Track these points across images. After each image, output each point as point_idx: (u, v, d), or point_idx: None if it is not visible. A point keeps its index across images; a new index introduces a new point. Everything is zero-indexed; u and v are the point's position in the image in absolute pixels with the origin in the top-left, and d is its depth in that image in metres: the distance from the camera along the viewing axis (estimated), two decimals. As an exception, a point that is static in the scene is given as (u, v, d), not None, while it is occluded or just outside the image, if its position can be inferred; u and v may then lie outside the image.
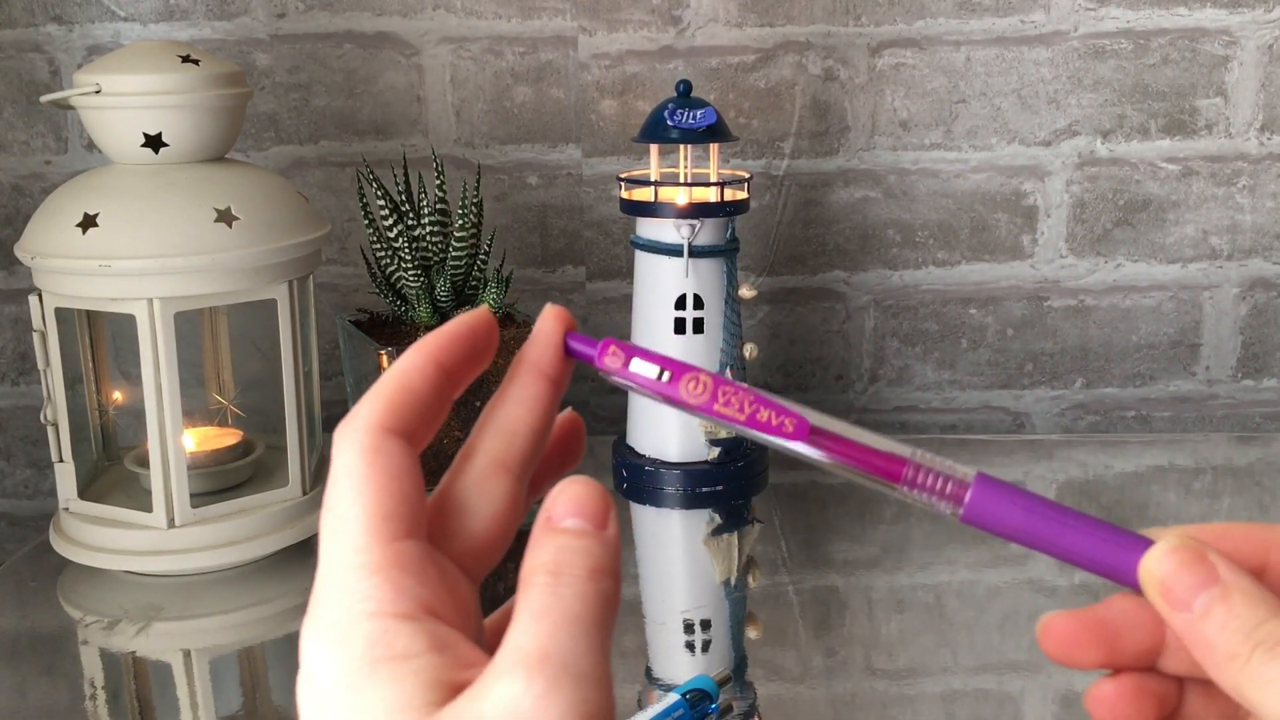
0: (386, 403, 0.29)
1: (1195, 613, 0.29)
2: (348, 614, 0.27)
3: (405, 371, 0.30)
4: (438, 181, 0.84)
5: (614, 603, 0.28)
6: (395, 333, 0.85)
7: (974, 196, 1.02)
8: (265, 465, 0.82)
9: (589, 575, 0.28)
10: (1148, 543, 0.30)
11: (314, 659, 0.27)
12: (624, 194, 0.86)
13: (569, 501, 0.30)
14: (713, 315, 0.85)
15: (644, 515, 0.88)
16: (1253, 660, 0.28)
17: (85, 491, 0.77)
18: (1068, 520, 0.31)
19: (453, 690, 0.26)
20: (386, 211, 0.81)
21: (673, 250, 0.84)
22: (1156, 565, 0.30)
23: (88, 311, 0.77)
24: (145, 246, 0.69)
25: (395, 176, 0.85)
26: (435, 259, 0.84)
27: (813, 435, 0.32)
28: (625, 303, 0.98)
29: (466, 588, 0.29)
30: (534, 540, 0.29)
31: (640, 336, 0.88)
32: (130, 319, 0.71)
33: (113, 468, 0.82)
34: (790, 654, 0.69)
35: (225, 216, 0.71)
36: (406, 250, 0.81)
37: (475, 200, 0.83)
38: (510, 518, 0.31)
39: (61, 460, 0.76)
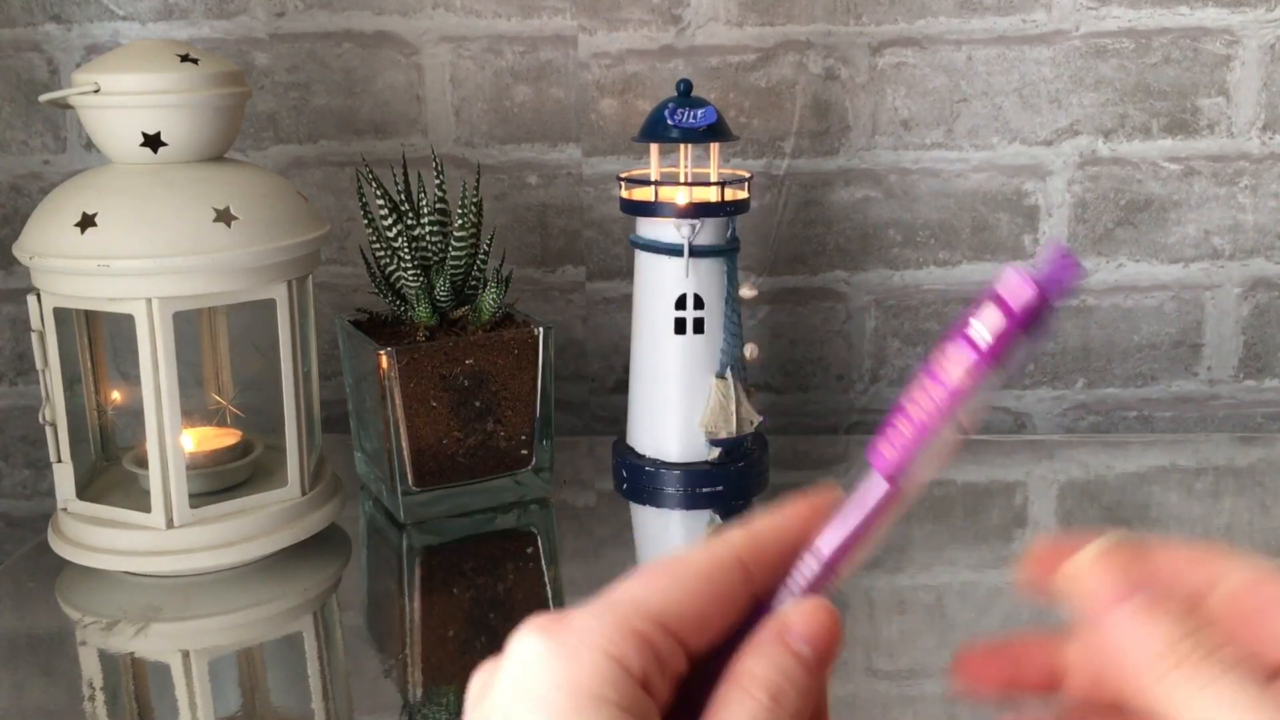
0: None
1: (1117, 619, 0.28)
2: (586, 637, 0.26)
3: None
4: (437, 181, 0.84)
5: None
6: (395, 333, 0.84)
7: (975, 196, 1.02)
8: (264, 465, 0.82)
9: (796, 714, 0.27)
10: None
11: (531, 654, 0.26)
12: (624, 193, 0.86)
13: (811, 627, 0.29)
14: (713, 315, 0.85)
15: (644, 515, 0.87)
16: (1173, 673, 0.27)
17: (84, 492, 0.77)
18: None
19: None
20: (386, 211, 0.81)
21: (673, 250, 0.84)
22: (1084, 569, 0.29)
23: (86, 311, 0.77)
24: (144, 246, 0.69)
25: (395, 176, 0.85)
26: (435, 259, 0.84)
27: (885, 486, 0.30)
28: (625, 303, 0.98)
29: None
30: (760, 644, 0.28)
31: (640, 336, 0.87)
32: (129, 319, 0.71)
33: (111, 468, 0.82)
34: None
35: (224, 216, 0.71)
36: (406, 250, 0.81)
37: (475, 200, 0.83)
38: (724, 589, 0.29)
39: (60, 460, 0.76)
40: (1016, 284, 0.28)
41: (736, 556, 0.29)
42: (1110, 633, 0.28)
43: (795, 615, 0.29)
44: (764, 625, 0.28)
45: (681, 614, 0.28)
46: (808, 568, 0.30)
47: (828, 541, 0.30)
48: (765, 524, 0.30)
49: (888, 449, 0.29)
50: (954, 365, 0.29)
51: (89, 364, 0.79)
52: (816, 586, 0.30)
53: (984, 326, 0.28)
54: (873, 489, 0.30)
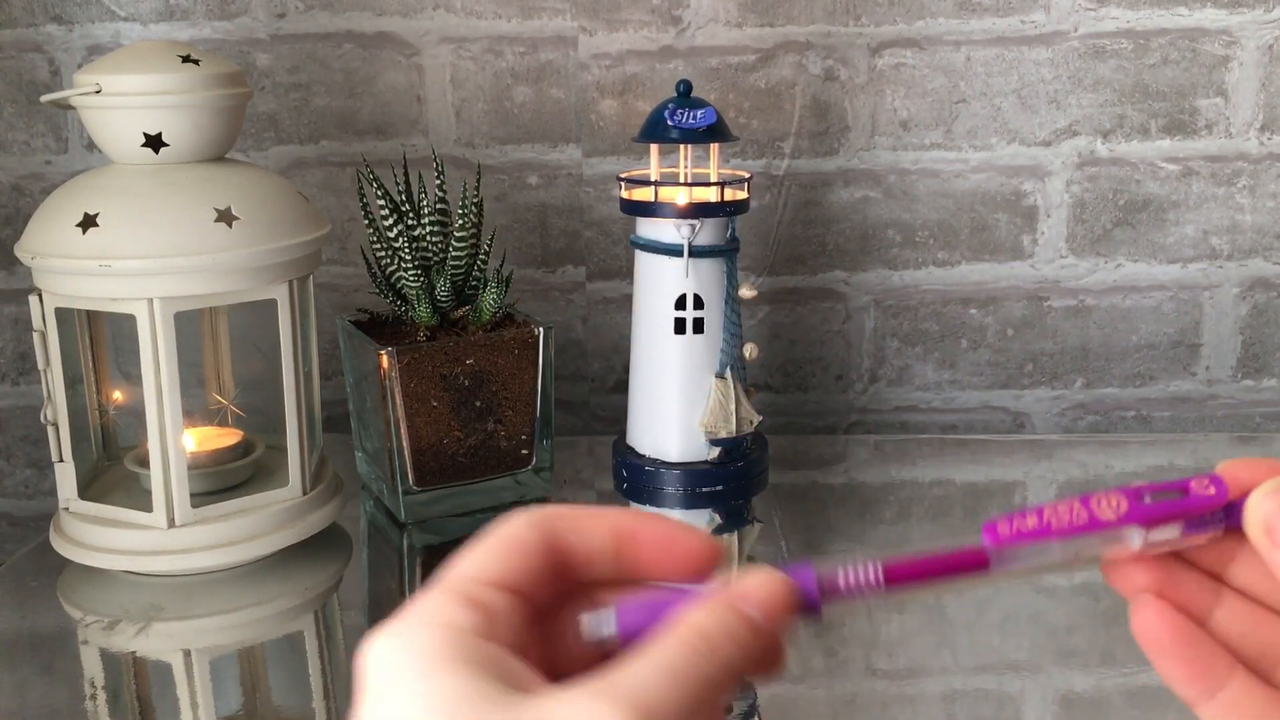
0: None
1: None
2: (419, 617, 0.28)
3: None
4: (438, 181, 0.84)
5: (730, 694, 0.29)
6: (395, 333, 0.85)
7: (974, 196, 1.02)
8: (265, 465, 0.82)
9: (729, 663, 0.28)
10: (806, 569, 0.31)
11: (376, 653, 0.28)
12: (624, 194, 0.86)
13: (767, 599, 0.30)
14: (713, 315, 0.85)
15: (644, 515, 0.87)
16: None
17: (85, 491, 0.77)
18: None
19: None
20: (386, 211, 0.81)
21: (673, 250, 0.84)
22: (1261, 504, 0.30)
23: (88, 311, 0.77)
24: (145, 246, 0.69)
25: (395, 176, 0.85)
26: (435, 259, 0.84)
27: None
28: (625, 303, 0.98)
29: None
30: (710, 603, 0.29)
31: (640, 336, 0.88)
32: (130, 319, 0.71)
33: (113, 467, 0.82)
34: (790, 654, 0.69)
35: (225, 216, 0.71)
36: (406, 250, 0.81)
37: (475, 200, 0.83)
38: (518, 545, 0.31)
39: (61, 460, 0.76)
40: (1207, 484, 0.31)
41: (533, 521, 0.31)
42: None
43: (752, 583, 0.30)
44: (723, 590, 0.30)
45: (487, 570, 0.29)
46: (868, 572, 0.31)
47: (897, 561, 0.31)
48: (582, 509, 0.32)
49: (1005, 527, 0.31)
50: (1109, 507, 0.31)
51: (90, 364, 0.79)
52: (860, 592, 0.31)
53: (1156, 498, 0.31)
54: (966, 549, 0.31)
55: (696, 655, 0.28)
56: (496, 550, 0.30)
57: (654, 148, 0.86)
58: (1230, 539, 0.32)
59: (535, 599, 0.30)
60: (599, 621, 0.31)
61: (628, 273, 0.93)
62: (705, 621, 0.29)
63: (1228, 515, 0.31)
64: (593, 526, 0.31)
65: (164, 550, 0.74)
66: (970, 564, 0.31)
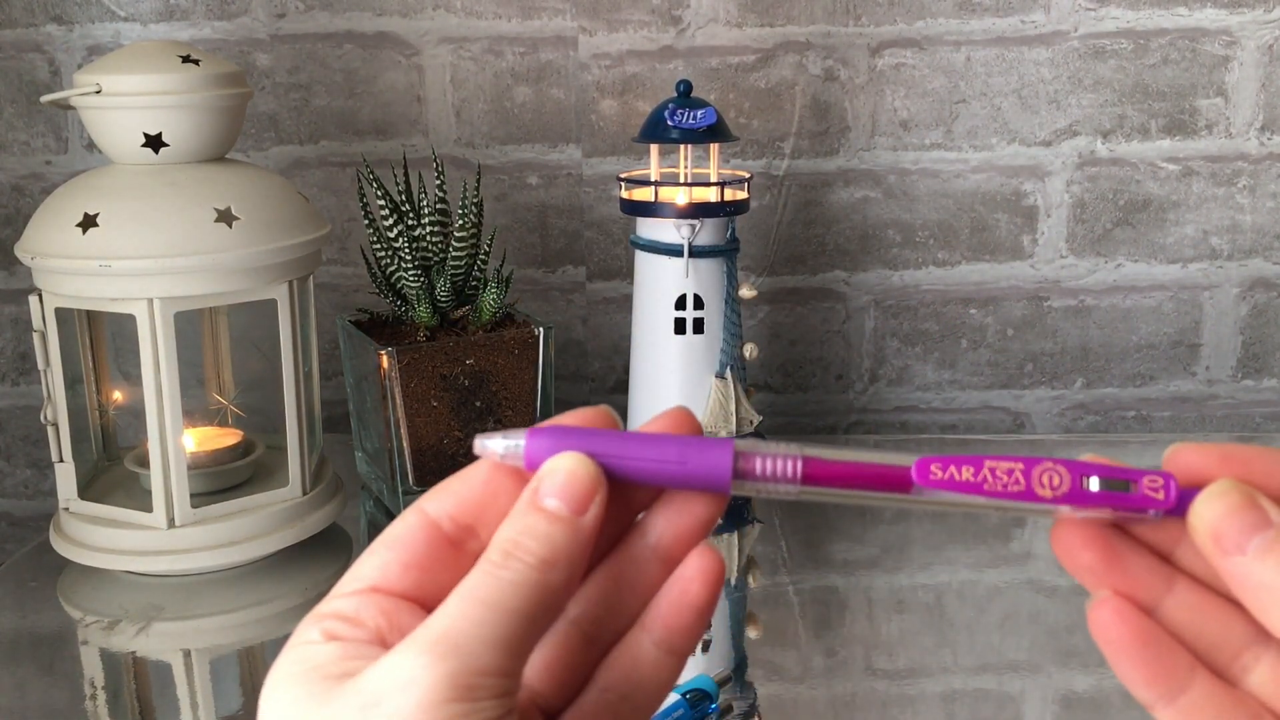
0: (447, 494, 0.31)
1: (1249, 556, 0.28)
2: (282, 654, 0.29)
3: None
4: (438, 181, 0.84)
5: (558, 596, 0.28)
6: (395, 333, 0.85)
7: (974, 196, 1.02)
8: (265, 465, 0.82)
9: (539, 564, 0.28)
10: (728, 442, 0.30)
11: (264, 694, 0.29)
12: (624, 194, 0.86)
13: (556, 480, 0.29)
14: (713, 315, 0.85)
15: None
16: None
17: (85, 491, 0.77)
18: (640, 440, 0.30)
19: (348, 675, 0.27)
20: (386, 211, 0.81)
21: (673, 250, 0.84)
22: (1206, 510, 0.29)
23: (88, 311, 0.77)
24: (145, 246, 0.70)
25: (395, 176, 0.85)
26: (435, 259, 0.84)
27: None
28: (625, 303, 0.98)
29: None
30: (512, 511, 0.29)
31: (640, 337, 0.88)
32: (130, 319, 0.71)
33: (113, 468, 0.82)
34: (790, 654, 0.69)
35: (225, 216, 0.71)
36: (406, 250, 0.81)
37: (475, 200, 0.83)
38: (411, 542, 0.31)
39: (61, 460, 0.76)
40: (1159, 488, 0.30)
41: (416, 509, 0.31)
42: (1235, 576, 0.29)
43: (544, 474, 0.29)
44: (521, 497, 0.30)
45: (344, 585, 0.30)
46: (788, 465, 0.30)
47: (820, 462, 0.30)
48: (462, 483, 0.31)
49: (938, 472, 0.30)
50: (1049, 485, 0.30)
51: (90, 364, 0.80)
52: (775, 482, 0.30)
53: (1103, 485, 0.30)
54: (894, 471, 0.30)
55: (496, 571, 0.27)
56: (364, 558, 0.30)
57: (654, 148, 0.86)
58: (1177, 522, 0.30)
59: (412, 587, 0.30)
60: (496, 442, 0.30)
61: (628, 273, 0.93)
62: (500, 534, 0.28)
63: (1174, 504, 0.30)
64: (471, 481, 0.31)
65: (164, 550, 0.74)
66: (894, 488, 0.30)
